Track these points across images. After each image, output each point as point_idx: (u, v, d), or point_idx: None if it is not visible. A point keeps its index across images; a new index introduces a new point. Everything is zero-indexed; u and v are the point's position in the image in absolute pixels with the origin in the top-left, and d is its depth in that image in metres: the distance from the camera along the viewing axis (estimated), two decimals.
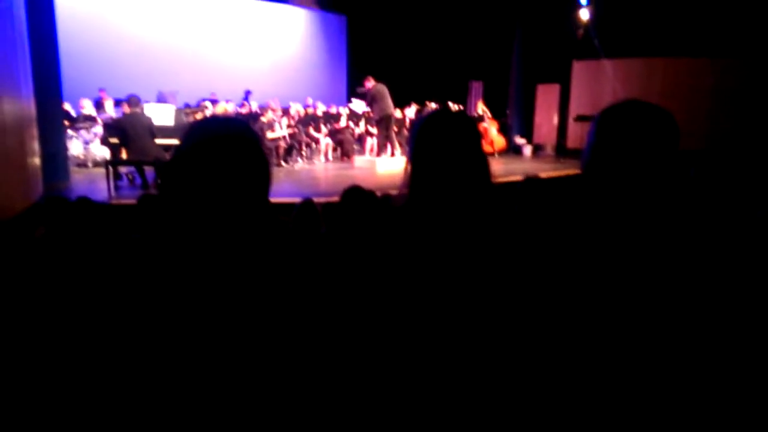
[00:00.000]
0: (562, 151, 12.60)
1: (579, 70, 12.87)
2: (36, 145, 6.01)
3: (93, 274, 2.29)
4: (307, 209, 3.21)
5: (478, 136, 1.33)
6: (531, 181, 2.72)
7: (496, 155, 12.35)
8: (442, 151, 1.27)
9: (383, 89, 9.42)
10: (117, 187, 6.78)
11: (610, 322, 1.08)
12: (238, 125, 1.05)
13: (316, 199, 3.37)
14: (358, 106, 11.81)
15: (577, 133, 12.07)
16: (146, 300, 1.00)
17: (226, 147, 1.00)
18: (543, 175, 2.84)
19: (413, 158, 1.31)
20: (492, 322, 1.20)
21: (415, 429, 1.18)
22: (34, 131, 5.98)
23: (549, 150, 13.64)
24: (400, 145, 10.66)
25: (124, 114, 7.20)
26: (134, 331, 0.99)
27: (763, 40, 10.39)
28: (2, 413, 1.24)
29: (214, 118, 1.12)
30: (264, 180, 1.05)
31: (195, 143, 1.02)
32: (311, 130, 10.94)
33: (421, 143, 1.30)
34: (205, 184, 0.99)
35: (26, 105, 5.58)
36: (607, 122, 1.15)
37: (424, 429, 1.18)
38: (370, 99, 9.48)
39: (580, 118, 11.21)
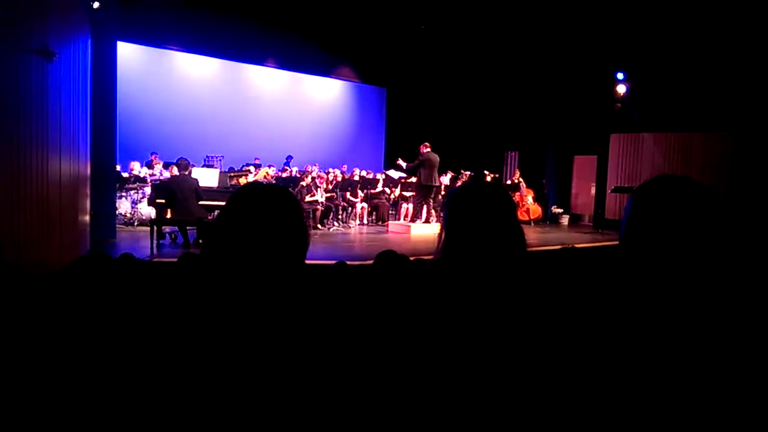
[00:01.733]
0: (599, 221, 12.44)
1: (616, 142, 12.91)
2: (87, 204, 6.33)
3: (131, 328, 2.35)
4: (340, 271, 3.25)
5: (512, 205, 1.36)
6: (567, 251, 2.70)
7: (532, 223, 12.29)
8: (476, 219, 1.30)
9: (435, 159, 9.65)
10: (159, 246, 7.02)
11: (640, 392, 1.05)
12: (279, 191, 1.12)
13: (350, 262, 3.41)
14: (395, 173, 12.08)
15: (614, 205, 11.95)
16: (183, 353, 1.03)
17: (267, 211, 1.07)
18: (579, 245, 2.80)
19: (447, 225, 1.34)
20: (521, 387, 1.19)
21: None
22: (87, 190, 6.32)
23: (587, 220, 13.50)
24: (435, 211, 10.75)
25: (172, 176, 7.55)
26: (173, 384, 1.02)
27: None
28: None
29: (258, 184, 1.22)
30: (302, 243, 1.11)
31: (238, 206, 1.09)
32: (348, 195, 11.18)
33: (455, 211, 1.33)
34: (245, 244, 1.05)
35: (83, 166, 5.94)
36: (643, 196, 1.15)
37: None
38: (419, 164, 9.66)
39: (617, 190, 11.12)
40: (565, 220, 13.49)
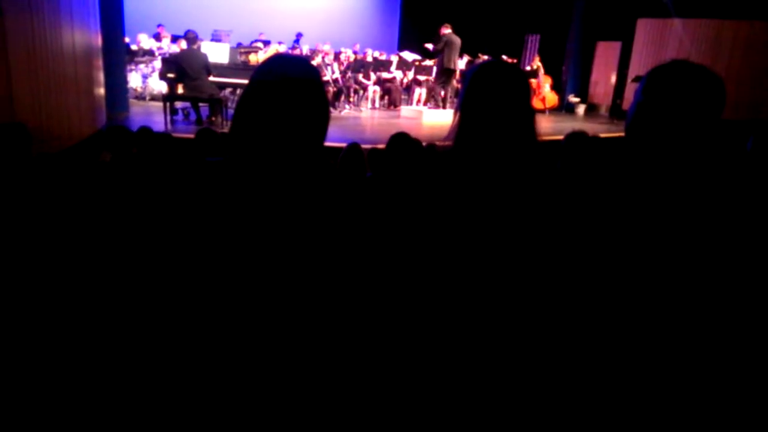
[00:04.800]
0: (616, 112, 12.16)
1: (643, 28, 12.21)
2: (101, 76, 6.29)
3: (157, 195, 2.49)
4: (353, 153, 3.33)
5: (528, 91, 1.33)
6: (575, 137, 2.75)
7: (547, 112, 12.06)
8: (491, 103, 1.28)
9: (457, 41, 9.24)
10: (173, 122, 7.06)
11: (637, 283, 1.11)
12: (305, 67, 1.10)
13: (362, 145, 3.47)
14: (409, 55, 11.67)
15: (633, 95, 11.61)
16: (207, 220, 1.09)
17: (293, 88, 1.06)
18: (592, 134, 2.83)
19: (462, 108, 1.32)
20: (523, 275, 1.24)
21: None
22: (100, 62, 6.25)
23: (603, 110, 13.19)
24: (450, 98, 10.54)
25: (181, 50, 7.37)
26: (193, 248, 1.09)
27: None
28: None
29: (283, 58, 1.16)
30: (323, 122, 1.11)
31: (264, 82, 1.08)
32: (360, 77, 10.92)
33: (470, 93, 1.31)
34: (270, 121, 1.06)
35: (94, 38, 5.82)
36: (654, 81, 1.17)
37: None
38: (442, 46, 9.30)
39: (638, 79, 10.71)
40: (581, 109, 13.17)
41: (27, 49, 3.69)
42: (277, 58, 1.15)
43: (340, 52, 11.18)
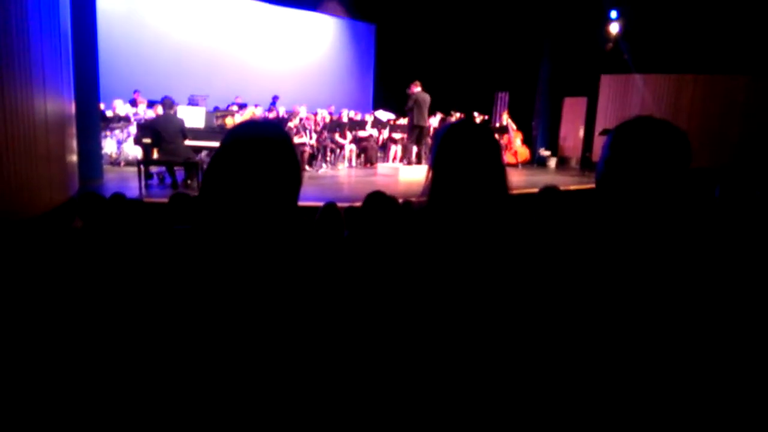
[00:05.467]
0: (587, 164, 12.54)
1: (607, 84, 12.82)
2: (74, 143, 6.27)
3: (128, 263, 2.42)
4: (330, 212, 3.32)
5: (498, 148, 1.37)
6: (549, 191, 2.78)
7: (520, 166, 12.35)
8: (462, 161, 1.32)
9: (426, 98, 9.55)
10: (147, 186, 7.01)
11: (615, 329, 1.12)
12: (275, 130, 1.12)
13: (339, 204, 3.47)
14: (384, 114, 11.98)
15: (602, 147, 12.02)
16: (178, 287, 1.07)
17: (263, 150, 1.07)
18: (564, 187, 2.88)
19: (434, 166, 1.36)
20: (501, 324, 1.25)
21: (424, 426, 1.23)
22: (73, 130, 6.24)
23: (574, 163, 13.59)
24: (424, 154, 10.76)
25: (157, 115, 7.43)
26: (164, 314, 1.06)
27: None
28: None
29: (253, 122, 1.17)
30: (295, 183, 1.12)
31: (234, 144, 1.09)
32: (336, 136, 11.11)
33: (442, 152, 1.35)
34: (241, 183, 1.06)
35: (67, 105, 5.83)
36: (620, 137, 1.20)
37: (433, 426, 1.23)
38: (411, 104, 9.58)
39: (605, 132, 11.14)
40: (552, 162, 13.56)
41: None
42: (248, 122, 1.17)
43: (315, 113, 11.41)
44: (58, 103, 5.28)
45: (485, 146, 1.34)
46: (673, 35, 11.24)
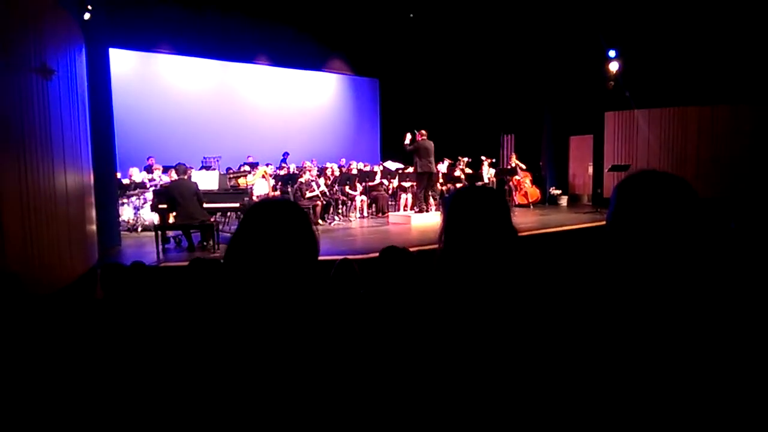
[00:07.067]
0: (599, 201, 12.54)
1: (611, 120, 12.97)
2: (93, 213, 6.43)
3: (150, 332, 2.46)
4: (344, 268, 3.34)
5: (506, 208, 1.46)
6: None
7: (531, 206, 12.39)
8: (473, 225, 1.40)
9: (429, 146, 9.75)
10: (165, 250, 7.11)
11: (637, 367, 1.12)
12: (288, 206, 1.25)
13: (353, 257, 3.50)
14: (392, 164, 12.17)
15: (612, 183, 12.04)
16: (200, 354, 1.14)
17: (279, 225, 1.19)
18: (579, 225, 2.89)
19: (447, 228, 1.44)
20: (525, 368, 1.27)
21: None
22: (92, 200, 6.41)
23: (585, 200, 13.61)
24: (434, 200, 10.85)
25: (172, 181, 7.63)
26: (190, 384, 1.13)
27: None
28: None
29: (268, 201, 1.32)
30: (312, 249, 1.22)
31: (253, 222, 1.21)
32: (347, 189, 11.27)
33: (453, 216, 1.44)
34: (261, 255, 1.16)
35: (86, 176, 6.02)
36: (625, 191, 1.24)
37: None
38: (412, 147, 9.79)
39: (614, 168, 11.21)
40: (564, 201, 13.59)
41: (20, 193, 3.80)
42: (262, 201, 1.32)
43: (325, 167, 11.62)
44: (78, 173, 5.46)
45: (495, 208, 1.43)
46: (672, 69, 11.43)
